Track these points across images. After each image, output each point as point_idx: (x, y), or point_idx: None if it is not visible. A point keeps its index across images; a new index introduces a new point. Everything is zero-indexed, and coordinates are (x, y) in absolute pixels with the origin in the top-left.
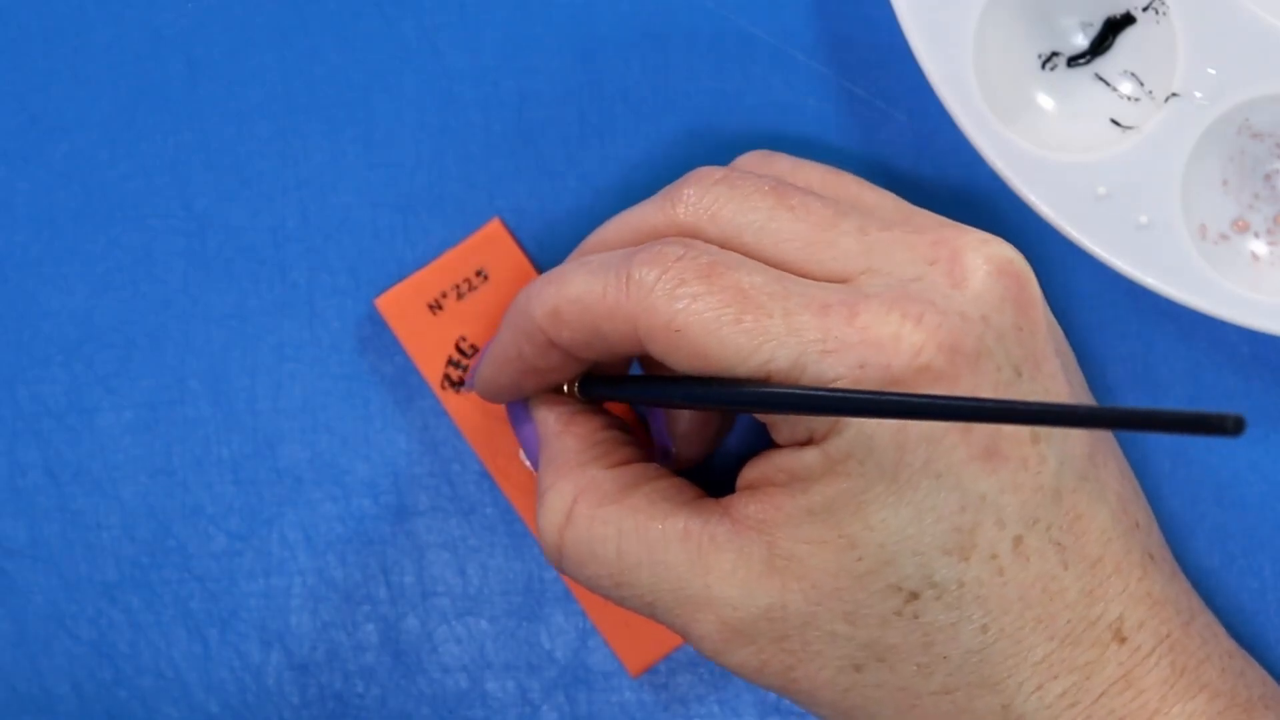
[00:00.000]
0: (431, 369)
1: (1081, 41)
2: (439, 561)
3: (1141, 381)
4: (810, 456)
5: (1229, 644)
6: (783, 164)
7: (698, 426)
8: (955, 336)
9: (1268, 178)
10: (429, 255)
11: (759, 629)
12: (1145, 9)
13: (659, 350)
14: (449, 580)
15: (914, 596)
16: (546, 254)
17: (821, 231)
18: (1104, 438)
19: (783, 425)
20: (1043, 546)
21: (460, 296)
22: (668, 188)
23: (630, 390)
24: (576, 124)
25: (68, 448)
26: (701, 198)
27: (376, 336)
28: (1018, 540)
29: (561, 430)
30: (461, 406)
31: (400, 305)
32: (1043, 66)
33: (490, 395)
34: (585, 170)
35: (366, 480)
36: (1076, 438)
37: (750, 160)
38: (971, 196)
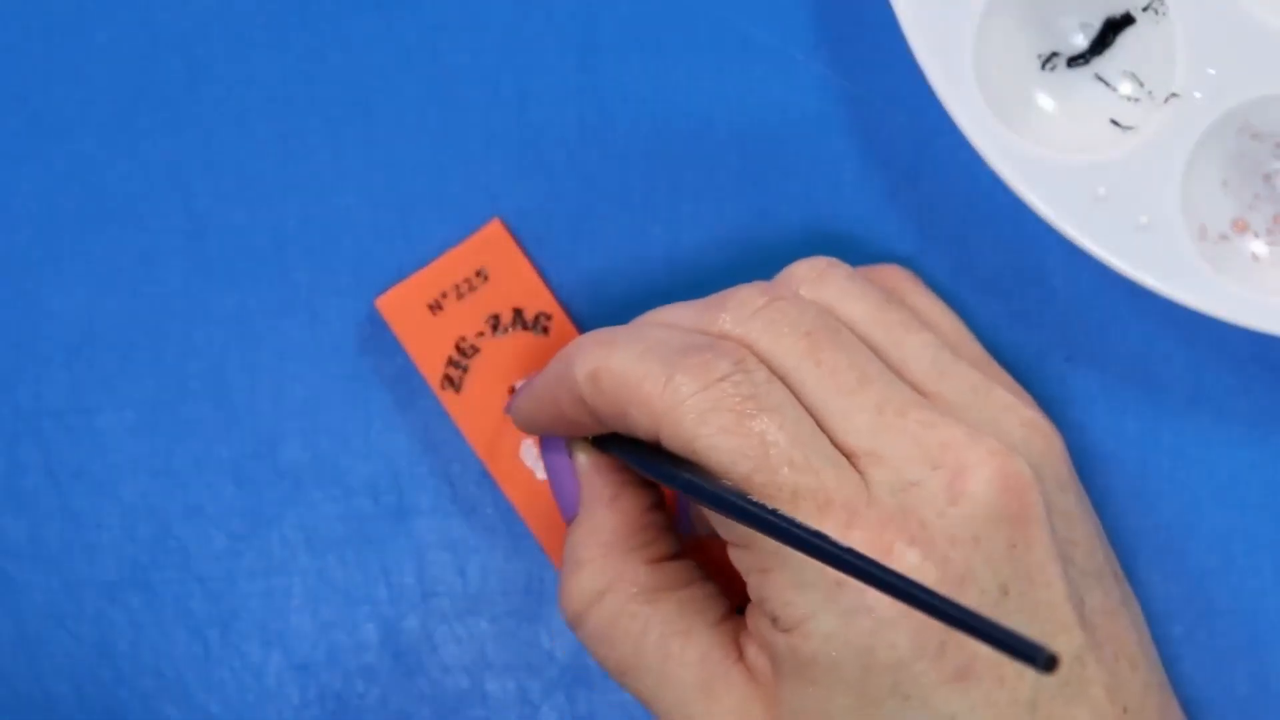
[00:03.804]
0: (431, 369)
1: (1081, 42)
2: (439, 561)
3: (1141, 381)
4: (780, 643)
5: None
6: (832, 289)
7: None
8: (940, 564)
9: (1268, 178)
10: (429, 255)
11: None
12: (1145, 9)
13: (674, 451)
14: (449, 580)
15: None
16: (546, 254)
17: (840, 398)
18: (1107, 629)
19: (752, 592)
20: None
21: (460, 296)
22: (708, 301)
23: (643, 462)
24: (576, 124)
25: (68, 448)
26: (741, 324)
27: (376, 336)
28: None
29: (610, 502)
30: (461, 406)
31: (400, 305)
32: (1043, 67)
33: (523, 427)
34: (585, 170)
35: (366, 480)
36: (1064, 643)
37: (804, 271)
38: (971, 196)
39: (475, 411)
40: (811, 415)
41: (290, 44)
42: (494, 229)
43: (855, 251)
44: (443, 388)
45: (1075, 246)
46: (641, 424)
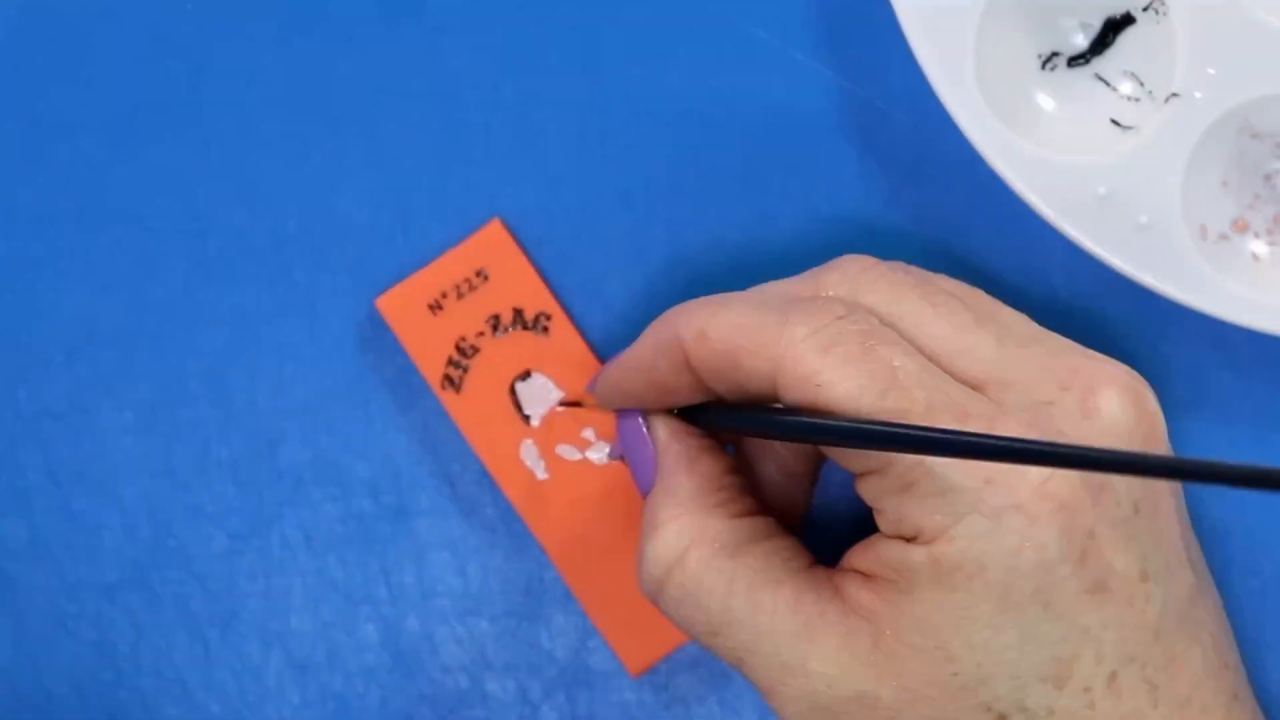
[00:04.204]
0: (431, 369)
1: (1081, 41)
2: (439, 561)
3: None
4: (917, 558)
5: None
6: (913, 273)
7: (787, 490)
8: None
9: (1268, 178)
10: (429, 255)
11: (847, 710)
12: (1145, 9)
13: (792, 398)
14: (449, 580)
15: (1002, 718)
16: (546, 254)
17: (961, 334)
18: (1204, 581)
19: (889, 515)
20: (1135, 684)
21: (460, 296)
22: (812, 270)
23: (750, 419)
24: (576, 124)
25: (68, 448)
26: (849, 281)
27: (376, 336)
28: (1112, 676)
29: (689, 465)
30: (461, 406)
31: (400, 305)
32: (1043, 66)
33: (609, 400)
34: (585, 170)
35: (366, 480)
36: (1181, 578)
37: (868, 262)
38: (971, 196)
39: (475, 411)
40: (931, 361)
41: (291, 45)
42: (494, 229)
43: (855, 251)
44: (443, 388)
45: (1075, 246)
46: (757, 371)
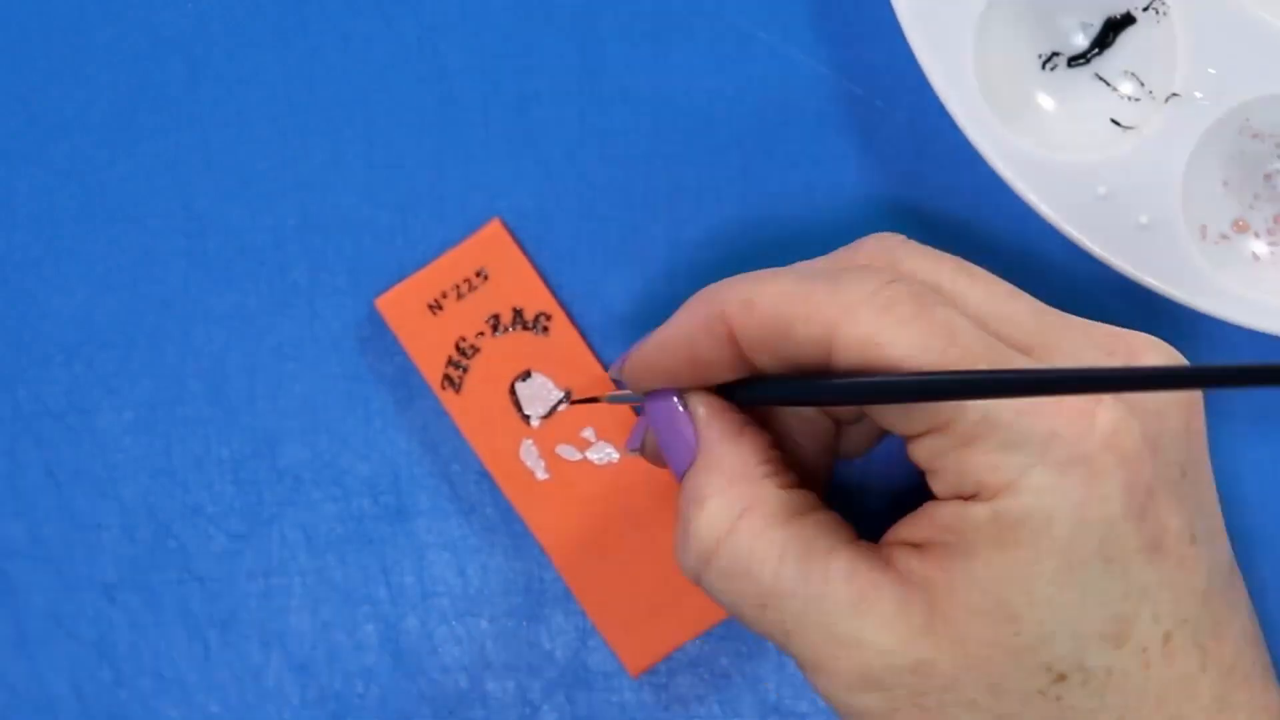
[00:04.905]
0: (431, 369)
1: (1081, 41)
2: (439, 561)
3: None
4: (979, 515)
5: None
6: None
7: (812, 467)
8: (1141, 422)
9: (1268, 178)
10: (429, 255)
11: (900, 680)
12: (1145, 9)
13: (849, 361)
14: (449, 580)
15: (1062, 678)
16: (546, 254)
17: (1001, 302)
18: (1233, 557)
19: (949, 474)
20: (1187, 646)
21: (460, 296)
22: (843, 249)
23: (799, 388)
24: (576, 124)
25: (68, 448)
26: (886, 254)
27: (376, 336)
28: (1167, 637)
29: (734, 439)
30: (461, 406)
31: (400, 305)
32: (1043, 66)
33: (640, 380)
34: (585, 170)
35: (366, 480)
36: (1222, 547)
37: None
38: (971, 196)
39: (475, 411)
40: None
41: (290, 44)
42: (494, 229)
43: None
44: (443, 388)
45: (1075, 246)
46: (809, 338)
